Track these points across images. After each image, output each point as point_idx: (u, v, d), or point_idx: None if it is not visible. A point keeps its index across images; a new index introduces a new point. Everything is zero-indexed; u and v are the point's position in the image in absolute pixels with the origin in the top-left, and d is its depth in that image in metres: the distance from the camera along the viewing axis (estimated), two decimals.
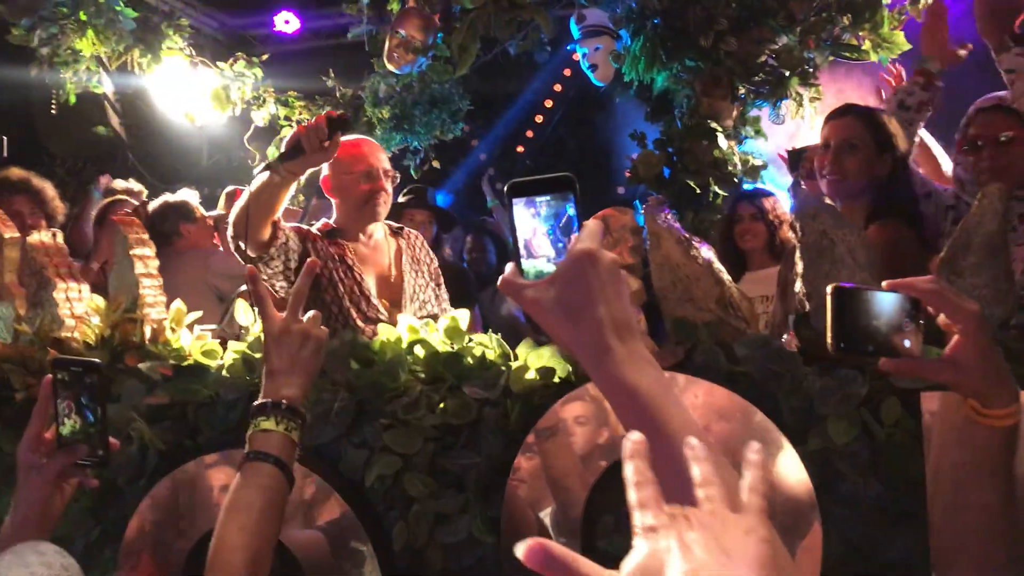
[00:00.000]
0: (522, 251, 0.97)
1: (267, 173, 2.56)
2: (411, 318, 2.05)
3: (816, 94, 4.38)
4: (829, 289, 1.09)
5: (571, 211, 0.97)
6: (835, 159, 2.71)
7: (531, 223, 0.98)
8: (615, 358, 0.89)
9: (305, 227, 2.93)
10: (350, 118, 2.48)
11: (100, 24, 4.66)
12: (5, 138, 3.47)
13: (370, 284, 2.88)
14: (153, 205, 4.06)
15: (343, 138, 2.65)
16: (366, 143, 3.01)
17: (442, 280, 3.13)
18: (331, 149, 2.53)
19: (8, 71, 4.87)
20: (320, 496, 1.86)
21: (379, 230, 3.00)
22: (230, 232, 2.64)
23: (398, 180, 2.99)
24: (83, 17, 4.51)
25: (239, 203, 2.63)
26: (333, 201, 2.98)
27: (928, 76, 3.22)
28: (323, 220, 3.00)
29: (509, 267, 0.97)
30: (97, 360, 1.51)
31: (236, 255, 2.70)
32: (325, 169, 2.88)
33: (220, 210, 4.18)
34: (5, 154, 3.47)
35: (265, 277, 2.70)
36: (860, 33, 4.20)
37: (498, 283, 0.97)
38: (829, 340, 1.10)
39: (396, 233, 3.07)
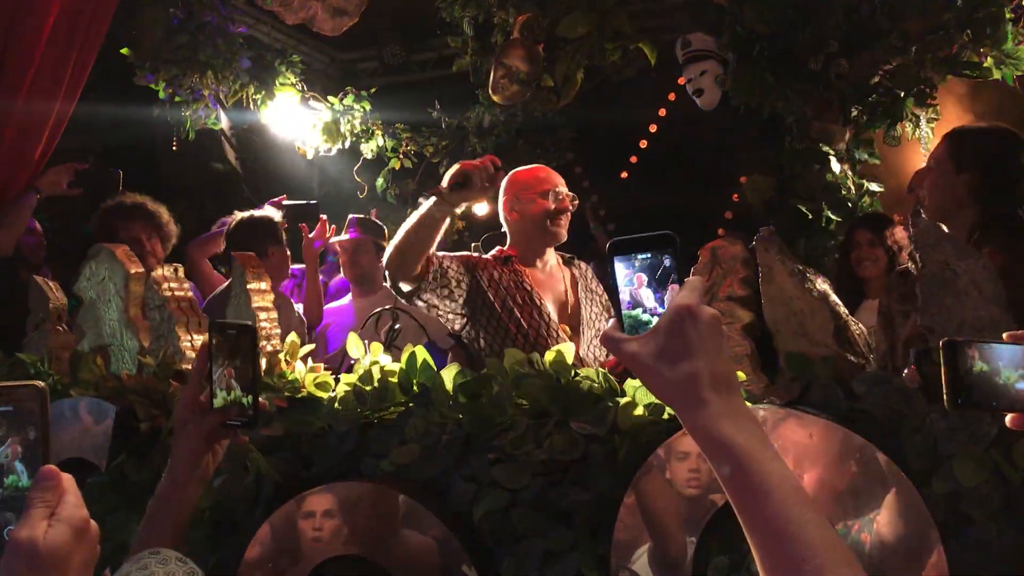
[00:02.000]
0: (623, 305, 0.98)
1: (426, 208, 2.69)
2: (517, 351, 2.05)
3: (934, 114, 4.22)
4: (941, 344, 1.03)
5: (670, 265, 0.99)
6: (912, 183, 2.61)
7: (631, 277, 0.99)
8: (711, 412, 0.90)
9: (476, 255, 3.04)
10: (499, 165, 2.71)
11: (218, 63, 4.88)
12: (121, 172, 3.63)
13: (549, 309, 2.94)
14: (238, 220, 3.95)
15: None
16: (546, 168, 3.14)
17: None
18: (493, 187, 2.73)
19: (133, 111, 5.14)
20: (428, 529, 1.87)
21: (552, 257, 3.08)
22: (385, 267, 2.79)
23: (577, 204, 3.08)
24: (202, 59, 4.73)
25: (394, 241, 2.77)
26: (508, 227, 3.09)
27: None
28: (497, 247, 3.09)
29: (611, 322, 0.99)
30: (249, 323, 1.56)
31: (392, 291, 2.87)
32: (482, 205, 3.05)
33: (342, 235, 4.20)
34: (121, 187, 3.64)
35: (429, 304, 2.86)
36: (981, 49, 4.03)
37: (599, 338, 0.99)
38: (945, 397, 1.04)
39: (568, 263, 3.12)
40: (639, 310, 0.98)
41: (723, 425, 0.89)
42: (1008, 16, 3.91)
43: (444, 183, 2.70)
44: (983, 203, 2.55)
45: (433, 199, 2.70)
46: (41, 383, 1.10)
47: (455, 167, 2.70)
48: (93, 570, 0.99)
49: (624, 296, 1.00)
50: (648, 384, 0.96)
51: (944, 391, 1.03)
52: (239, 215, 4.10)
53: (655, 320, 0.96)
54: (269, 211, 4.03)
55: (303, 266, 4.11)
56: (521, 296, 2.91)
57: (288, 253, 4.06)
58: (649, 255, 1.00)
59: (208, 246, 4.22)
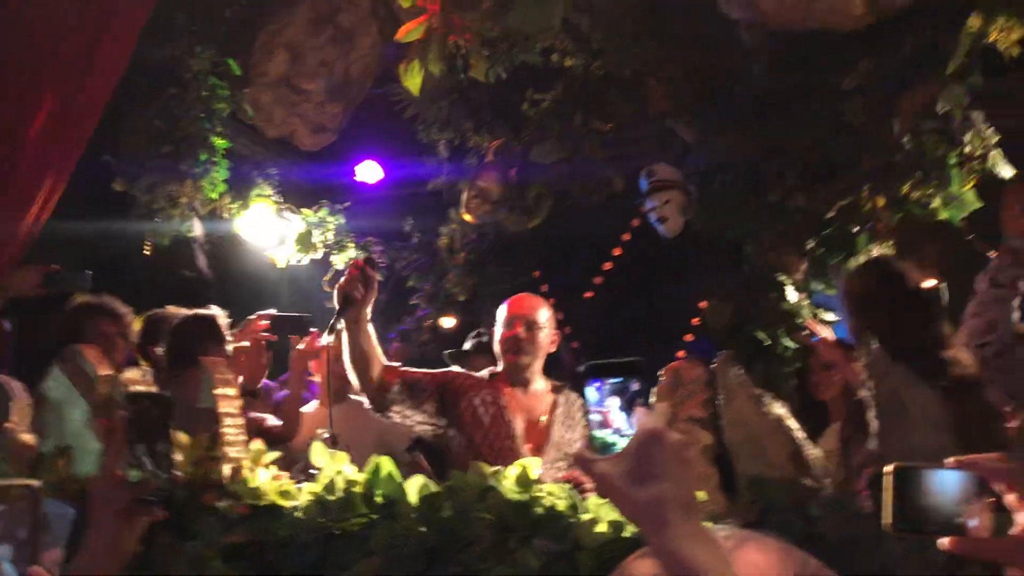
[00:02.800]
0: (594, 426, 1.04)
1: (340, 336, 2.88)
2: (483, 466, 2.07)
3: (888, 248, 4.39)
4: (888, 469, 1.09)
5: (638, 389, 1.06)
6: None
7: (602, 400, 1.05)
8: (676, 533, 0.94)
9: (454, 371, 3.25)
10: (374, 258, 2.89)
11: (198, 173, 4.98)
12: (91, 272, 3.66)
13: (518, 427, 3.05)
14: (182, 317, 3.84)
15: None
16: (521, 298, 3.31)
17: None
18: (372, 285, 2.88)
19: (105, 219, 5.19)
20: None
21: (539, 383, 3.22)
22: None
23: (546, 336, 3.22)
24: (184, 168, 4.83)
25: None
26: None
27: (1016, 254, 3.23)
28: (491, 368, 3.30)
29: (581, 441, 1.05)
30: (166, 393, 1.54)
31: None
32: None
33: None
34: (90, 285, 3.66)
35: (402, 416, 3.06)
36: (929, 191, 4.23)
37: (572, 458, 1.04)
38: (887, 520, 1.09)
39: (557, 390, 3.25)
40: (608, 432, 1.04)
41: (685, 545, 0.94)
42: (953, 160, 4.13)
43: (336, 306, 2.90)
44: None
45: (336, 316, 2.88)
46: (35, 482, 1.11)
47: (335, 292, 2.89)
48: None
49: (595, 418, 1.06)
50: (616, 503, 1.01)
51: (887, 514, 1.08)
52: (178, 312, 4.09)
53: (623, 441, 1.01)
54: (213, 310, 3.99)
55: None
56: (493, 411, 3.06)
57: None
58: (619, 380, 1.06)
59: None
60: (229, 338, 3.91)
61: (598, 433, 1.05)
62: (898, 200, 4.24)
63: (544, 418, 3.13)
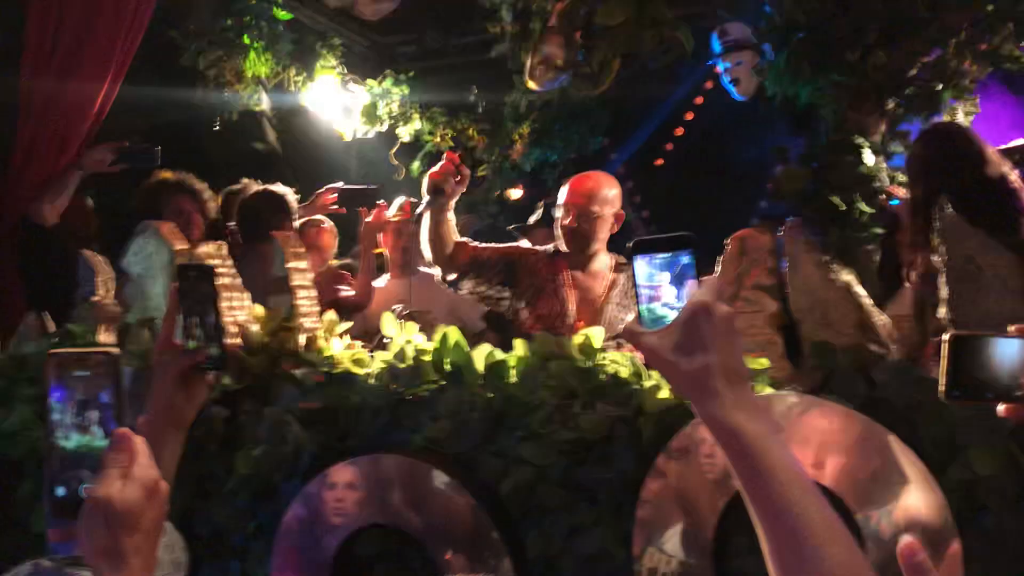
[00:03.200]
0: (642, 300, 1.04)
1: (424, 212, 3.08)
2: (549, 336, 2.11)
3: (973, 107, 4.19)
4: (946, 337, 1.08)
5: (688, 263, 1.05)
6: None
7: (652, 275, 1.06)
8: (722, 402, 0.96)
9: (520, 248, 3.42)
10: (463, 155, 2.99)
11: (261, 46, 4.96)
12: (159, 148, 3.72)
13: (571, 306, 3.15)
14: (252, 191, 4.02)
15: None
16: (583, 180, 3.33)
17: None
18: (464, 181, 3.07)
19: (176, 92, 5.24)
20: (458, 501, 1.94)
21: (602, 261, 3.29)
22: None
23: (605, 222, 3.26)
24: (246, 40, 4.82)
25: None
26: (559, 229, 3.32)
27: None
28: (554, 243, 3.38)
29: (630, 316, 1.06)
30: (211, 264, 1.59)
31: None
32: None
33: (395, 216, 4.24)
34: (158, 162, 3.73)
35: (472, 291, 3.26)
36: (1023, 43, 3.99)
37: (621, 331, 1.05)
38: (941, 389, 1.08)
39: (620, 269, 3.31)
40: (658, 306, 1.05)
41: (733, 414, 0.96)
42: None
43: (423, 190, 3.04)
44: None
45: (425, 204, 3.05)
46: (115, 349, 1.18)
47: (426, 178, 3.05)
48: (162, 526, 1.06)
49: (644, 292, 1.06)
50: (665, 375, 1.04)
51: (941, 382, 1.07)
52: (251, 187, 4.16)
53: (673, 316, 1.02)
54: (280, 187, 4.06)
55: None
56: (550, 287, 3.17)
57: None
58: (669, 254, 1.06)
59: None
60: (298, 212, 3.99)
61: (648, 307, 1.05)
62: (987, 54, 4.01)
63: (601, 298, 3.19)
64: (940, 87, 4.06)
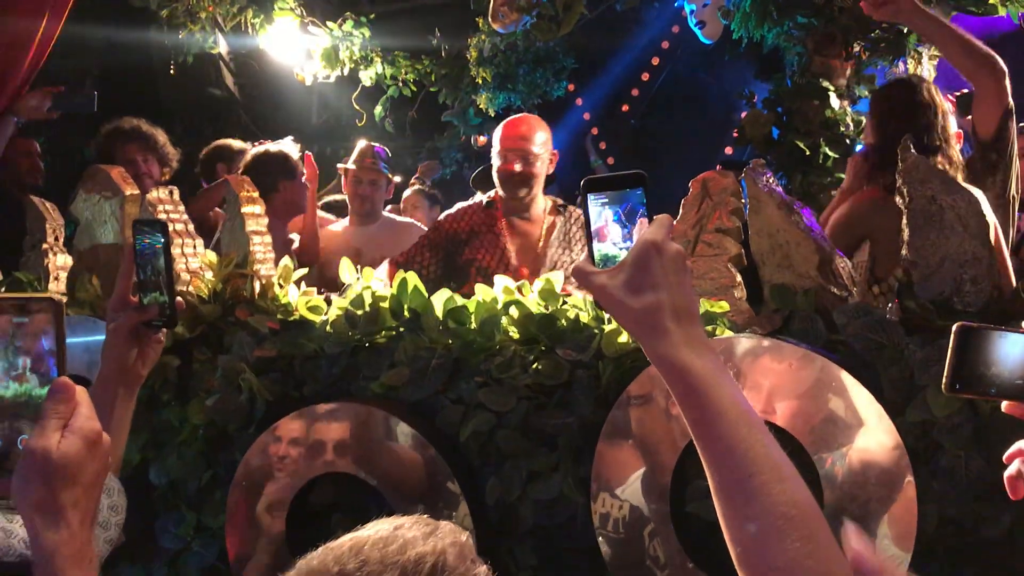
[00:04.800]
0: (594, 240, 1.02)
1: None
2: (507, 280, 2.08)
3: (936, 51, 4.17)
4: (954, 328, 1.05)
5: (639, 203, 1.03)
6: None
7: (603, 215, 1.04)
8: (671, 340, 0.94)
9: (442, 224, 3.30)
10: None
11: None
12: (97, 93, 3.59)
13: (512, 252, 3.12)
14: (252, 154, 3.93)
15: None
16: (516, 123, 3.25)
17: None
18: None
19: (130, 33, 5.08)
20: (416, 448, 1.92)
21: (539, 205, 3.23)
22: None
23: (543, 163, 3.20)
24: None
25: None
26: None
27: None
28: (493, 191, 3.29)
29: (582, 256, 1.03)
30: (163, 220, 1.56)
31: None
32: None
33: (351, 163, 4.16)
34: (95, 108, 3.59)
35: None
36: None
37: (571, 270, 1.02)
38: (944, 380, 1.05)
39: (558, 210, 3.23)
40: (608, 244, 1.02)
41: (682, 352, 0.94)
42: None
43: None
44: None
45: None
46: (57, 296, 1.12)
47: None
48: (104, 480, 1.02)
49: (595, 231, 1.04)
50: (614, 314, 1.01)
51: (945, 373, 1.04)
52: (235, 145, 4.09)
53: (623, 254, 1.00)
54: (285, 145, 3.98)
55: None
56: (489, 238, 3.15)
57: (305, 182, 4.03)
58: (620, 192, 1.04)
59: (209, 201, 4.16)
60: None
61: (598, 246, 1.02)
62: None
63: (540, 242, 3.17)
64: (906, 30, 4.04)
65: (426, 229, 4.06)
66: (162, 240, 1.47)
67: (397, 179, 4.19)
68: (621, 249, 1.02)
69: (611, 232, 1.03)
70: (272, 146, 3.92)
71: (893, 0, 2.76)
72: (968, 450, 1.63)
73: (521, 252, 3.15)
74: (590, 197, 1.04)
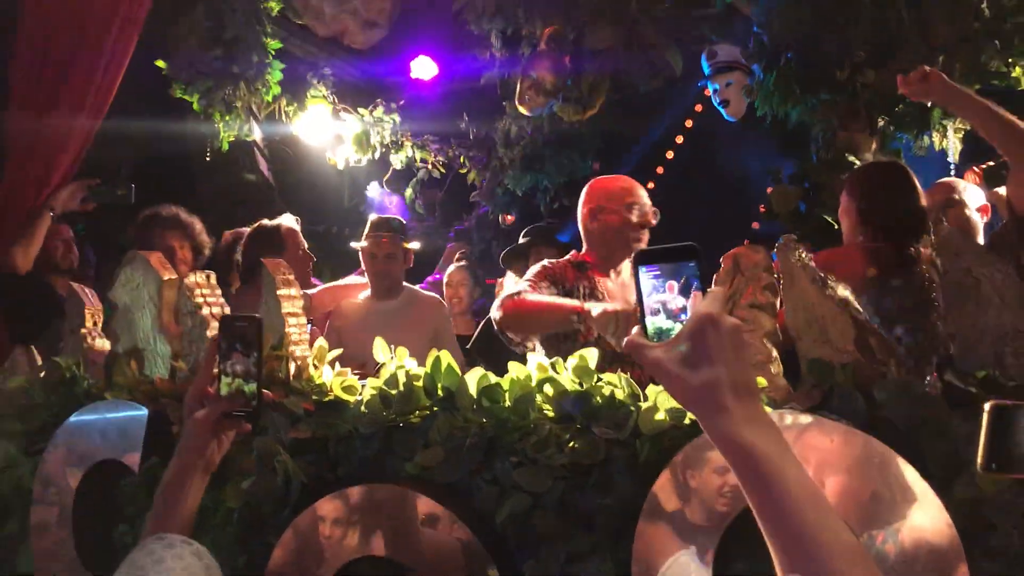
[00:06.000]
0: (647, 313, 1.01)
1: (567, 312, 2.84)
2: (542, 357, 2.07)
3: (962, 124, 4.20)
4: (987, 407, 1.03)
5: (693, 275, 1.01)
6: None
7: (656, 287, 1.02)
8: (731, 418, 0.91)
9: (556, 266, 3.13)
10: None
11: (251, 75, 4.96)
12: (134, 186, 3.69)
13: None
14: (250, 231, 3.99)
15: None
16: (630, 180, 3.19)
17: None
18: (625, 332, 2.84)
19: (165, 124, 5.24)
20: (452, 531, 1.90)
21: (627, 268, 3.13)
22: (500, 325, 2.94)
23: (658, 219, 3.15)
24: (236, 71, 4.81)
25: (520, 310, 2.90)
26: (587, 235, 3.17)
27: None
28: (573, 252, 3.18)
29: (635, 329, 1.02)
30: (257, 315, 1.61)
31: None
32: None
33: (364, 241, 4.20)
34: (132, 199, 3.68)
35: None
36: (1010, 60, 4.00)
37: (623, 344, 1.00)
38: (980, 460, 1.03)
39: None
40: (662, 318, 1.01)
41: (743, 430, 0.91)
42: None
43: (595, 312, 2.73)
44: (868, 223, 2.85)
45: (575, 307, 2.79)
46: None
47: (611, 318, 2.68)
48: None
49: (648, 304, 1.02)
50: (670, 390, 0.98)
51: (980, 452, 1.02)
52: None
53: (678, 328, 0.98)
54: (283, 220, 4.03)
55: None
56: (593, 300, 2.98)
57: (304, 257, 4.04)
58: (673, 265, 1.02)
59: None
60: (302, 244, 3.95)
61: (652, 320, 1.01)
62: (975, 70, 4.02)
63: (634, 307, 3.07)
64: (929, 104, 4.07)
65: (454, 306, 4.06)
66: (256, 334, 1.54)
67: (415, 245, 4.19)
68: (676, 323, 1.00)
69: (664, 305, 1.02)
70: (266, 222, 3.98)
71: (924, 79, 2.80)
72: (1021, 527, 1.58)
73: None
74: (642, 269, 1.02)
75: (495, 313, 2.96)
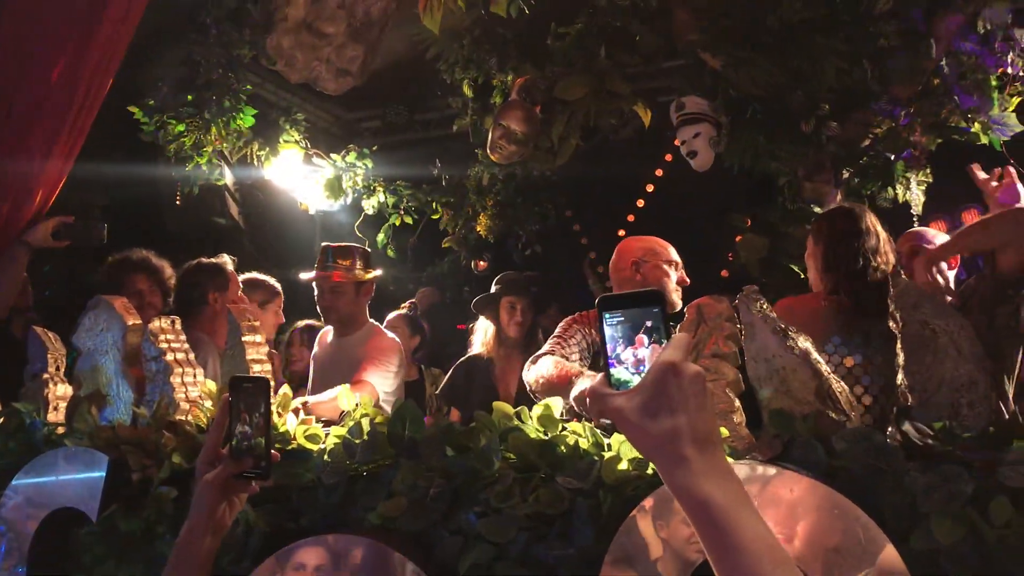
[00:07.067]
0: (610, 360, 1.00)
1: (577, 394, 2.83)
2: (506, 405, 2.08)
3: (924, 177, 4.30)
4: None
5: (656, 322, 1.00)
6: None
7: (619, 334, 1.01)
8: (691, 469, 0.91)
9: (580, 321, 3.27)
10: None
11: (222, 121, 4.98)
12: (106, 225, 3.67)
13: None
14: (186, 266, 3.97)
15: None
16: (635, 238, 3.42)
17: None
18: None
19: (136, 168, 5.23)
20: None
21: None
22: (532, 389, 3.02)
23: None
24: (208, 116, 4.83)
25: (546, 378, 3.00)
26: (624, 287, 3.31)
27: None
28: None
29: (598, 377, 1.00)
30: (266, 376, 1.62)
31: None
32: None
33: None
34: (104, 239, 3.66)
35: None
36: (969, 115, 4.11)
37: (587, 392, 1.00)
38: None
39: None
40: (625, 366, 1.00)
41: (701, 482, 0.90)
42: (994, 83, 4.00)
43: (573, 394, 2.78)
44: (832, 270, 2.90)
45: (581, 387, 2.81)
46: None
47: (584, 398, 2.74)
48: None
49: (611, 351, 1.01)
50: (631, 439, 0.97)
51: None
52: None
53: (639, 376, 0.97)
54: (220, 260, 4.01)
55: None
56: None
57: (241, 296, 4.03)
58: (638, 310, 1.01)
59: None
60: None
61: (613, 369, 1.00)
62: (936, 125, 4.13)
63: None
64: (892, 157, 4.17)
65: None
66: (265, 396, 1.55)
67: (377, 273, 4.11)
68: (637, 372, 0.99)
69: (627, 353, 1.00)
70: (204, 260, 3.96)
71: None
72: None
73: None
74: (605, 316, 1.01)
75: (527, 378, 3.07)
